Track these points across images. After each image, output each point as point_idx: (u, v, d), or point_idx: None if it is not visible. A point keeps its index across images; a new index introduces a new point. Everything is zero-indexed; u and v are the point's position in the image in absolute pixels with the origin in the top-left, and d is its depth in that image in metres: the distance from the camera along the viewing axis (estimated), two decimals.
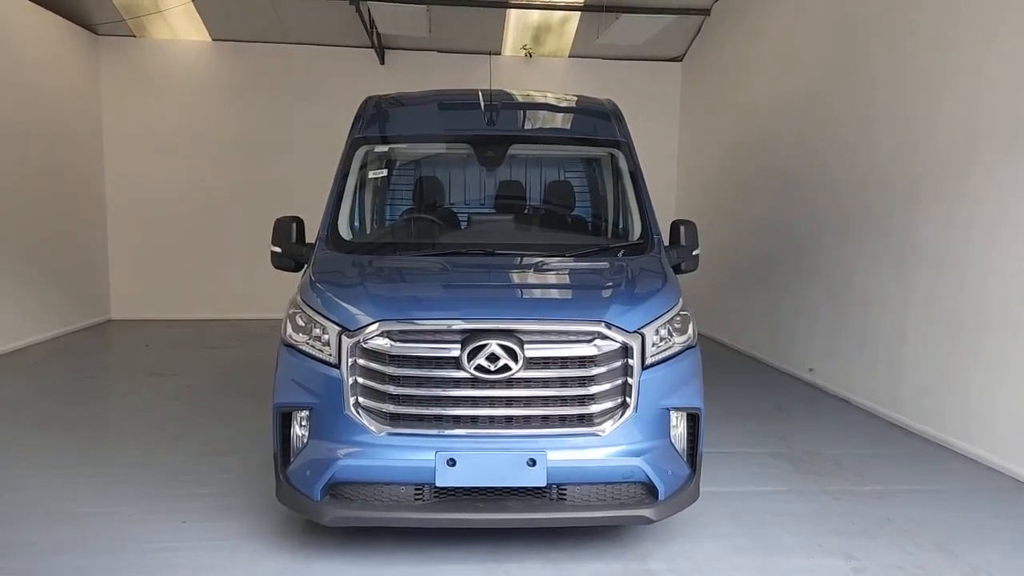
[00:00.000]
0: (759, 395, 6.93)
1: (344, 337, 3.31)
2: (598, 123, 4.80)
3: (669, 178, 11.45)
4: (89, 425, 5.67)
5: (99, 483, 4.41)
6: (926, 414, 5.60)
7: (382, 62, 10.85)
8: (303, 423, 3.42)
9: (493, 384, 3.26)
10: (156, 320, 10.74)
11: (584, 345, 3.31)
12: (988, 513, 4.20)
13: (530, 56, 11.08)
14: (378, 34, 10.35)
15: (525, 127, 4.92)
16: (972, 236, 5.18)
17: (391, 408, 3.28)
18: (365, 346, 3.28)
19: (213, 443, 5.16)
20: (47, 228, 9.28)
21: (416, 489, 3.30)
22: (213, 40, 10.77)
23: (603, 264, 4.07)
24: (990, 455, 4.94)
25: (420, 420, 3.29)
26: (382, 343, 3.27)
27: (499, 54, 11.00)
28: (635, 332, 3.37)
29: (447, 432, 3.27)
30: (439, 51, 10.80)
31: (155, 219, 10.87)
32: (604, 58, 11.13)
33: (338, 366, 3.31)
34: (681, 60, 11.39)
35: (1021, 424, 4.70)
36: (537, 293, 3.83)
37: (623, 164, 4.61)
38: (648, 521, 3.35)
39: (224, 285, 11.00)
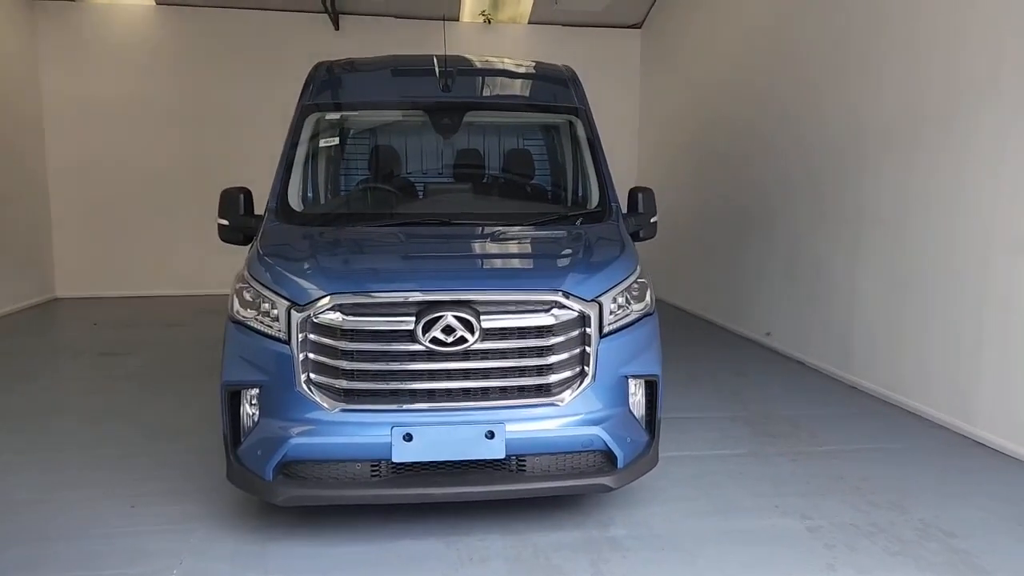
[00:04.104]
0: (717, 359, 7.02)
1: (294, 312, 3.20)
2: (556, 90, 4.71)
3: (629, 146, 11.41)
4: (37, 409, 5.45)
5: (49, 469, 4.25)
6: (877, 374, 5.73)
7: (336, 28, 10.51)
8: (253, 401, 3.31)
9: (449, 357, 3.20)
10: (104, 297, 10.39)
11: (541, 315, 3.26)
12: (937, 469, 4.33)
13: (488, 22, 10.84)
14: None
15: (482, 94, 4.79)
16: (919, 198, 5.26)
17: (344, 384, 3.19)
18: (316, 321, 3.18)
19: (167, 425, 5.01)
20: None
21: (372, 465, 3.23)
22: (157, 4, 10.29)
23: (561, 233, 4.01)
24: (939, 413, 5.07)
25: (374, 395, 3.21)
26: (333, 317, 3.17)
27: (456, 20, 10.74)
28: (593, 300, 3.33)
29: (403, 407, 3.20)
30: (395, 16, 10.49)
31: (100, 192, 10.46)
32: (563, 24, 10.96)
33: (288, 342, 3.21)
34: (640, 27, 11.28)
35: (967, 382, 4.83)
36: (494, 263, 3.75)
37: (581, 131, 4.53)
38: (608, 489, 3.35)
39: (175, 260, 10.69)
